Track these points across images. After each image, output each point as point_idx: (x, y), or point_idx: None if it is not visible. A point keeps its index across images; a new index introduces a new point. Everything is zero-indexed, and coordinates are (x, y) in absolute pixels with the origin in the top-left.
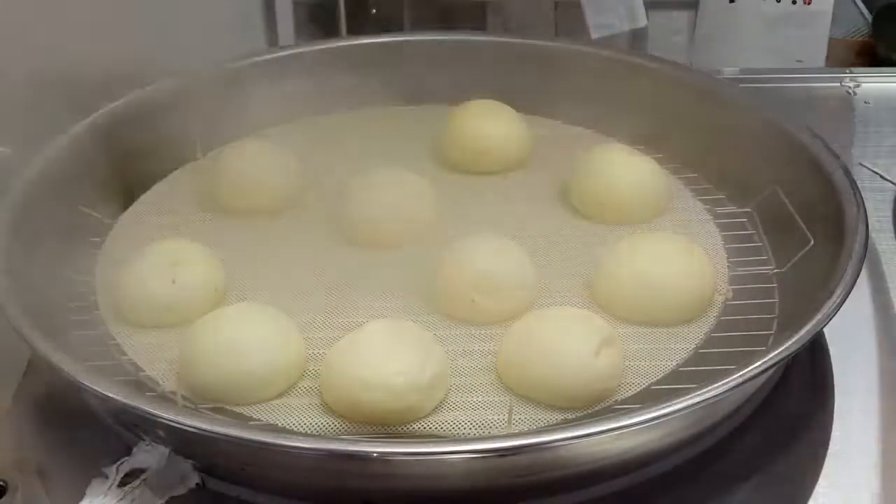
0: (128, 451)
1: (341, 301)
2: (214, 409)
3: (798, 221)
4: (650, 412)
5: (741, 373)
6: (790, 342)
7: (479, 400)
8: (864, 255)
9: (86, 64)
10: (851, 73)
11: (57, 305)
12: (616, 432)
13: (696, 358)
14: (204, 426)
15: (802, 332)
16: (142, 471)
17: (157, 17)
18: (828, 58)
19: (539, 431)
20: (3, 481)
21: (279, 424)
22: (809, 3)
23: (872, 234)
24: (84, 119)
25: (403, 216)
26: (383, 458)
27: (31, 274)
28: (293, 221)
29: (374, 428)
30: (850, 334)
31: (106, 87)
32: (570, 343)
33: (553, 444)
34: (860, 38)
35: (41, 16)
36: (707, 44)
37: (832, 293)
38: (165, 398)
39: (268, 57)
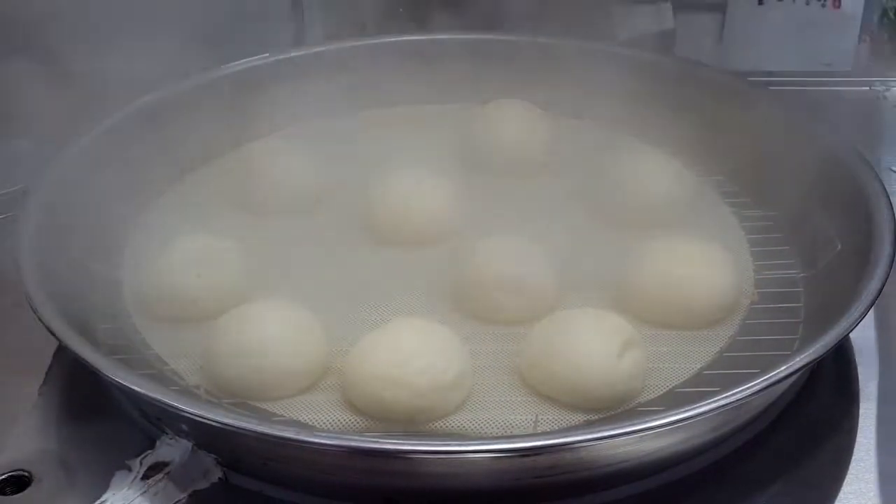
0: (151, 445)
1: (365, 299)
2: (237, 404)
3: (825, 226)
4: (673, 415)
5: (765, 377)
6: (815, 347)
7: (502, 400)
8: (893, 261)
9: (110, 58)
10: (881, 76)
11: (84, 298)
12: (639, 434)
13: (721, 361)
14: (227, 421)
15: (828, 337)
16: (165, 464)
17: (185, 15)
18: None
19: (562, 432)
20: (28, 473)
21: (302, 420)
22: (838, 7)
23: None
24: (112, 114)
25: (428, 216)
26: (405, 456)
27: (59, 267)
28: (318, 219)
29: (397, 425)
30: (875, 339)
31: (130, 83)
32: (594, 344)
33: (576, 445)
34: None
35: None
36: (735, 46)
37: (859, 299)
38: (189, 392)
39: (296, 54)
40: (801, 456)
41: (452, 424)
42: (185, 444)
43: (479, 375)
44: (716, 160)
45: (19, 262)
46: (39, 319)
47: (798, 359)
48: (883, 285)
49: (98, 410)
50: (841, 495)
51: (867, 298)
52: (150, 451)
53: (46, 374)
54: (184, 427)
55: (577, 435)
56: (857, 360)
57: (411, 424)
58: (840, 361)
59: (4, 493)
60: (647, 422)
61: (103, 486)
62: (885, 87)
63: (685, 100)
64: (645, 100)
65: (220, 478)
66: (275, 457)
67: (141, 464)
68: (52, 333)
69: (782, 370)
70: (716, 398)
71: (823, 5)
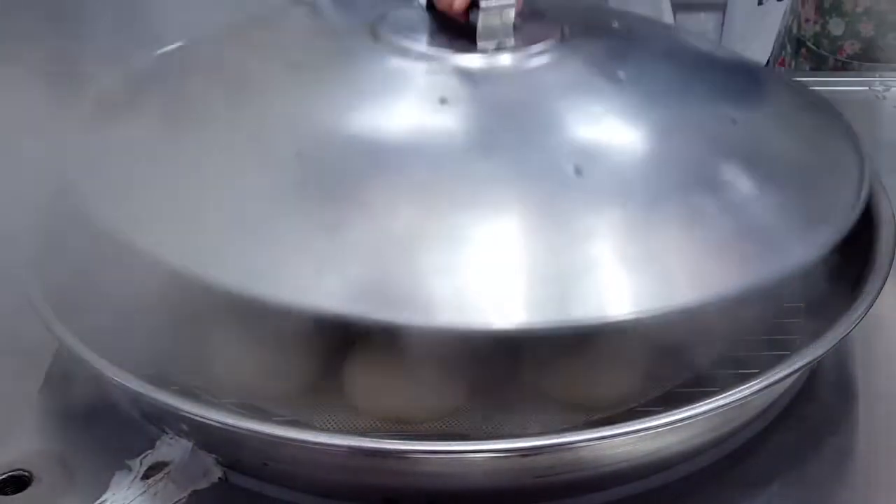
0: (151, 445)
1: None
2: (237, 404)
3: None
4: (673, 415)
5: (765, 377)
6: (815, 347)
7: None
8: (892, 261)
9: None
10: (881, 76)
11: (83, 297)
12: (639, 434)
13: (721, 361)
14: (227, 421)
15: (828, 337)
16: (165, 464)
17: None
18: None
19: (561, 432)
20: (28, 473)
21: (302, 420)
22: None
23: None
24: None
25: None
26: (405, 456)
27: (58, 266)
28: None
29: (397, 425)
30: (876, 339)
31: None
32: (593, 344)
33: (575, 445)
34: None
35: None
36: (735, 45)
37: (859, 299)
38: (189, 392)
39: None
40: (801, 456)
41: (452, 424)
42: (185, 444)
43: None
44: None
45: (20, 261)
46: (39, 319)
47: (798, 359)
48: (882, 285)
49: (98, 410)
50: (841, 496)
51: (867, 298)
52: (150, 451)
53: (46, 374)
54: (184, 427)
55: (577, 435)
56: (857, 360)
57: (411, 424)
58: (840, 361)
59: (4, 493)
60: (647, 422)
61: (103, 486)
62: (884, 87)
63: None
64: None
65: (220, 478)
66: (275, 457)
67: (141, 464)
68: (53, 333)
69: (782, 370)
70: (716, 398)
71: None
